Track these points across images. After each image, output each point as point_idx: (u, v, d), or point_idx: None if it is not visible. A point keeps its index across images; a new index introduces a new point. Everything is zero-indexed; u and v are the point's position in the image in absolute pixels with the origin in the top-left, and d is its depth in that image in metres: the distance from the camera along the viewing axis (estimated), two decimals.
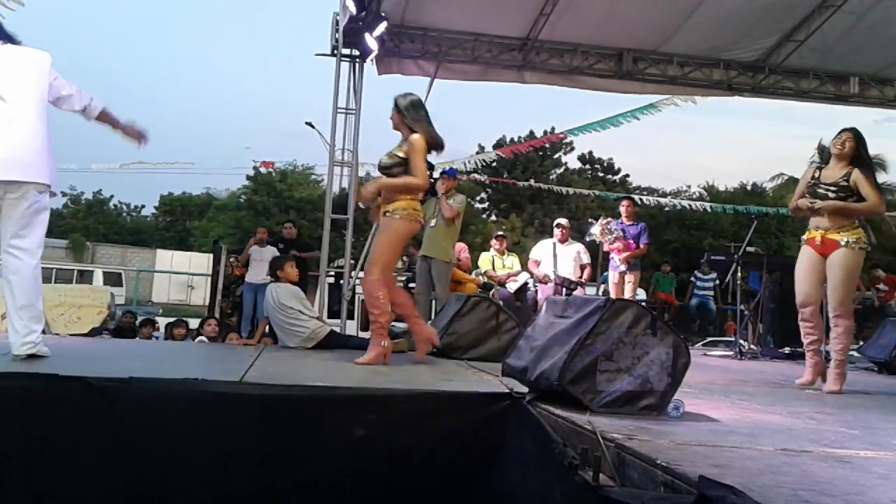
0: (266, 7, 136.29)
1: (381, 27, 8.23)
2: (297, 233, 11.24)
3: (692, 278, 12.90)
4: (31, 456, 3.10)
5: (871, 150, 5.07)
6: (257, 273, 9.85)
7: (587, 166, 43.94)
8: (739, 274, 8.24)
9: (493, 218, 40.16)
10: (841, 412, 3.75)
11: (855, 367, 7.43)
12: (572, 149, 42.32)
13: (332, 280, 10.61)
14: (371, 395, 3.46)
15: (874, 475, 2.20)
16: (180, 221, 48.20)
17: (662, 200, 31.34)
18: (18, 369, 3.44)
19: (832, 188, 4.78)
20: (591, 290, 10.02)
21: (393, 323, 12.59)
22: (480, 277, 9.55)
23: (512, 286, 9.32)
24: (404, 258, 10.04)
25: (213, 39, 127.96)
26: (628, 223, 8.76)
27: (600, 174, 43.37)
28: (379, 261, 4.82)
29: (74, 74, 4.24)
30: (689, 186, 42.45)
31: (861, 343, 8.42)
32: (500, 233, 10.75)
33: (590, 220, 9.20)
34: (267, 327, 6.49)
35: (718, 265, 11.33)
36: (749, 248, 8.40)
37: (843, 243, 4.71)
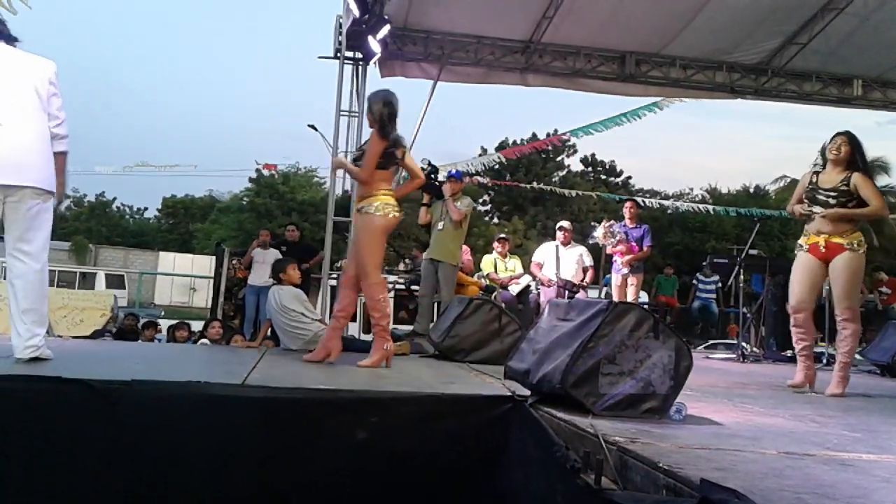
0: (269, 9, 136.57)
1: (385, 30, 8.25)
2: (299, 235, 11.24)
3: (694, 281, 12.89)
4: (33, 458, 3.11)
5: (875, 153, 5.09)
6: (260, 275, 9.84)
7: (589, 169, 43.94)
8: (742, 276, 8.23)
9: (496, 220, 40.17)
10: (844, 415, 3.75)
11: (858, 370, 7.41)
12: (575, 151, 42.36)
13: (334, 282, 10.61)
14: (373, 397, 3.46)
15: (877, 478, 2.20)
16: (183, 224, 48.22)
17: (665, 203, 31.30)
18: (21, 372, 3.45)
19: (832, 193, 4.77)
20: (593, 293, 10.02)
21: (394, 326, 12.63)
22: (483, 280, 9.55)
23: (514, 289, 9.31)
24: (406, 260, 10.04)
25: (215, 41, 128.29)
26: (631, 226, 8.75)
27: (602, 177, 43.38)
28: (371, 263, 4.82)
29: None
30: (691, 189, 42.40)
31: (864, 346, 8.40)
32: (503, 235, 10.74)
33: (592, 224, 9.20)
34: (269, 330, 6.49)
35: (721, 268, 11.32)
36: (751, 251, 8.40)
37: (846, 246, 4.70)
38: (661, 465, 2.13)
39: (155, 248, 41.89)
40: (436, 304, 7.84)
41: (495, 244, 9.96)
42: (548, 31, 9.06)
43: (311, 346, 5.68)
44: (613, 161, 44.03)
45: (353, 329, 9.09)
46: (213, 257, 15.00)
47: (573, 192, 31.81)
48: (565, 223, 9.30)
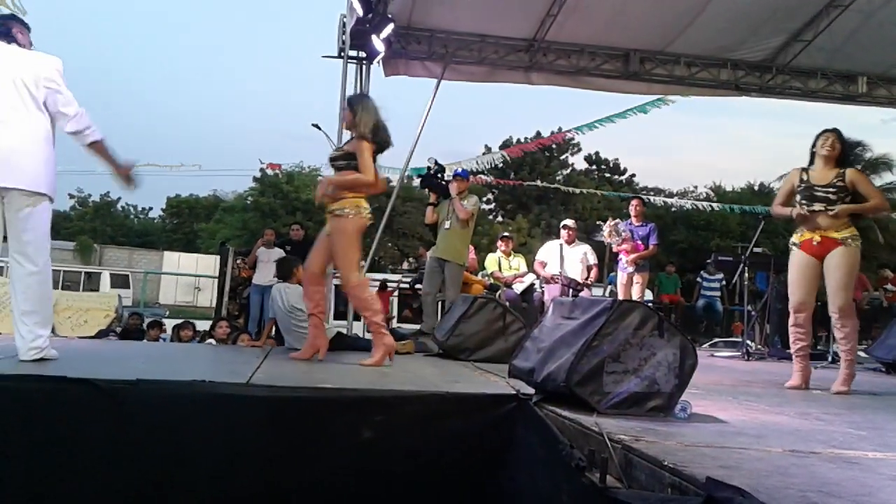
0: (272, 9, 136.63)
1: (388, 29, 8.24)
2: (304, 234, 11.25)
3: (699, 279, 12.87)
4: (39, 457, 3.12)
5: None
6: (264, 275, 9.86)
7: (594, 167, 43.94)
8: (746, 274, 8.21)
9: (500, 219, 40.17)
10: (849, 413, 3.74)
11: (863, 367, 7.40)
12: (579, 150, 42.38)
13: (338, 282, 10.62)
14: (378, 396, 3.46)
15: (883, 476, 2.20)
16: (187, 223, 48.28)
17: (669, 201, 31.31)
18: (26, 371, 3.45)
19: (831, 190, 4.75)
20: (597, 292, 10.01)
21: (398, 325, 12.65)
22: (487, 279, 9.56)
23: (518, 287, 9.32)
24: (410, 259, 10.05)
25: (217, 42, 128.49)
26: (637, 224, 8.74)
27: (607, 175, 43.37)
28: (350, 265, 4.85)
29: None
30: (695, 187, 42.38)
31: (869, 343, 8.37)
32: (506, 234, 10.74)
33: (598, 222, 9.19)
34: (273, 329, 6.50)
35: (725, 266, 11.28)
36: (756, 249, 8.36)
37: (841, 241, 4.69)
38: (666, 463, 2.13)
39: (159, 247, 41.95)
40: (440, 303, 7.84)
41: (499, 243, 9.96)
42: (552, 30, 9.05)
43: None
44: (618, 159, 44.10)
45: (358, 328, 9.07)
46: (218, 257, 15.03)
47: (577, 190, 31.83)
48: (569, 221, 9.29)
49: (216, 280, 13.73)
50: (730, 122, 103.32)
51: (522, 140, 36.07)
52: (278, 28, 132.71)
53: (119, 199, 50.72)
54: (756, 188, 39.00)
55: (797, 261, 4.90)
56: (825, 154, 4.84)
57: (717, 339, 13.44)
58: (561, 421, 2.91)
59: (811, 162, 4.95)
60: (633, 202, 9.18)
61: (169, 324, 11.37)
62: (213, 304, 14.28)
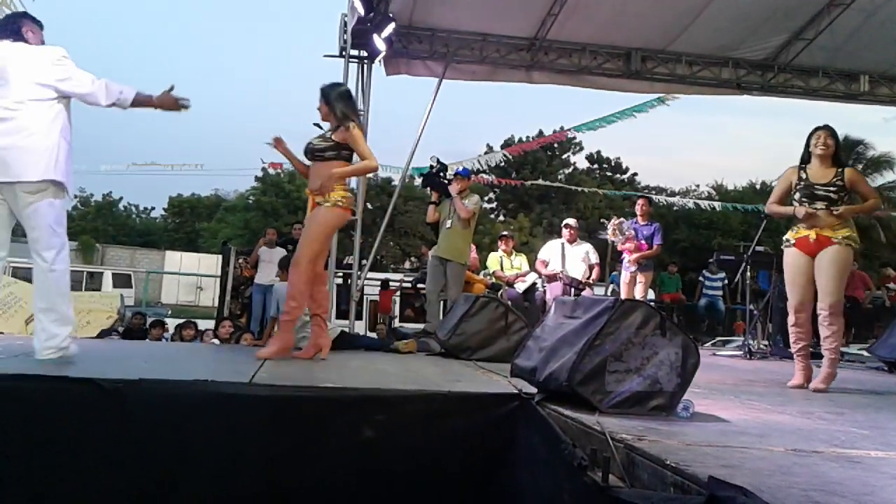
0: (273, 8, 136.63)
1: (390, 28, 8.24)
2: None
3: (701, 278, 12.86)
4: (41, 457, 3.12)
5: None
6: (266, 274, 9.87)
7: (595, 166, 43.92)
8: (748, 273, 8.20)
9: (502, 218, 40.17)
10: (852, 412, 3.74)
11: (866, 366, 7.40)
12: (581, 149, 42.35)
13: (339, 280, 10.63)
14: (379, 395, 3.46)
15: (885, 475, 2.19)
16: (189, 223, 48.34)
17: (671, 200, 31.27)
18: (29, 371, 3.45)
19: (831, 189, 4.74)
20: (599, 291, 10.00)
21: (400, 324, 12.64)
22: (489, 278, 9.55)
23: (520, 286, 9.31)
24: (413, 258, 10.06)
25: (219, 40, 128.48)
26: (642, 223, 8.73)
27: (608, 174, 43.34)
28: (308, 252, 4.77)
29: None
30: (697, 185, 42.37)
31: (872, 342, 8.37)
32: (506, 233, 10.74)
33: (601, 220, 9.22)
34: (276, 328, 6.49)
35: (727, 264, 11.26)
36: (758, 248, 8.34)
37: (836, 240, 4.67)
38: (668, 462, 2.13)
39: (161, 247, 42.01)
40: (442, 302, 7.84)
41: (499, 242, 9.96)
42: (553, 28, 9.04)
43: None
44: (619, 158, 44.05)
45: (360, 327, 9.09)
46: (220, 256, 15.04)
47: (579, 189, 31.82)
48: (571, 220, 9.29)
49: (218, 279, 13.74)
50: (731, 120, 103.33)
51: (524, 139, 36.09)
52: (279, 27, 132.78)
53: (121, 198, 50.85)
54: (758, 187, 38.93)
55: (792, 261, 4.89)
56: (819, 153, 4.83)
57: (722, 338, 13.43)
58: (563, 420, 2.91)
59: (807, 160, 4.94)
60: (640, 202, 9.17)
61: (171, 323, 11.39)
62: (216, 304, 14.30)
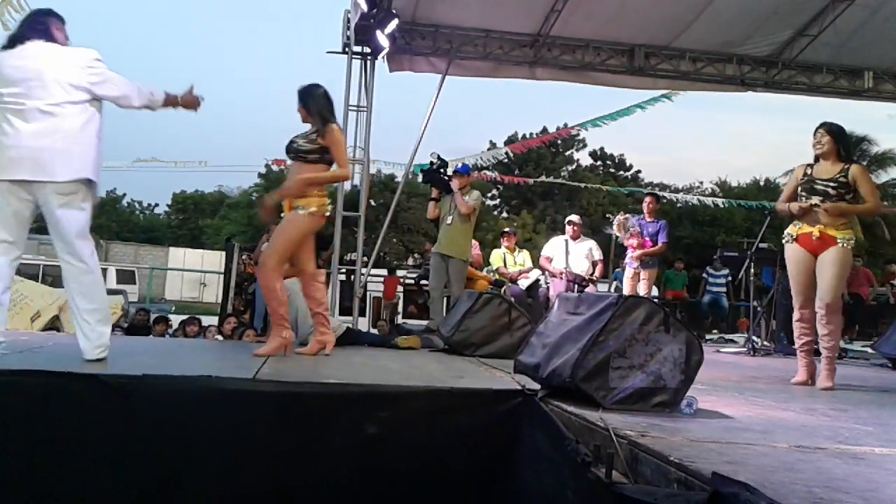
0: (274, 7, 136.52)
1: (393, 24, 8.24)
2: None
3: (704, 275, 12.84)
4: (45, 453, 3.13)
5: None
6: None
7: (599, 163, 43.89)
8: (752, 270, 8.19)
9: (505, 215, 40.16)
10: (855, 409, 3.74)
11: (870, 363, 7.40)
12: (584, 145, 42.34)
13: (343, 277, 10.64)
14: (383, 392, 3.47)
15: (889, 472, 2.19)
16: (193, 219, 48.44)
17: (674, 196, 31.24)
18: (31, 366, 3.45)
19: (832, 184, 4.72)
20: (603, 287, 10.00)
21: (403, 321, 12.65)
22: (492, 274, 9.56)
23: (524, 283, 9.32)
24: (415, 255, 10.07)
25: (222, 37, 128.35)
26: (649, 220, 8.71)
27: (612, 170, 43.31)
28: (276, 253, 4.73)
29: None
30: (701, 182, 42.39)
31: (875, 339, 8.36)
32: (508, 229, 10.74)
33: (606, 216, 9.24)
34: None
35: (731, 261, 11.26)
36: (762, 244, 8.32)
37: (839, 241, 4.66)
38: (672, 458, 2.13)
39: (165, 243, 42.09)
40: (446, 299, 7.85)
41: (502, 238, 9.97)
42: (556, 25, 9.03)
43: None
44: (623, 155, 44.05)
45: (363, 323, 9.10)
46: (223, 252, 15.04)
47: (582, 185, 31.80)
48: (574, 217, 9.29)
49: (222, 276, 13.74)
50: (735, 117, 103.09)
51: (528, 135, 36.08)
52: (279, 27, 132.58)
53: (125, 195, 50.96)
54: (762, 184, 38.94)
55: (795, 257, 4.88)
56: (817, 151, 4.83)
57: (726, 335, 13.42)
58: (566, 416, 2.92)
59: (817, 158, 4.93)
60: (647, 198, 9.14)
61: (175, 319, 11.40)
62: (219, 300, 14.31)
